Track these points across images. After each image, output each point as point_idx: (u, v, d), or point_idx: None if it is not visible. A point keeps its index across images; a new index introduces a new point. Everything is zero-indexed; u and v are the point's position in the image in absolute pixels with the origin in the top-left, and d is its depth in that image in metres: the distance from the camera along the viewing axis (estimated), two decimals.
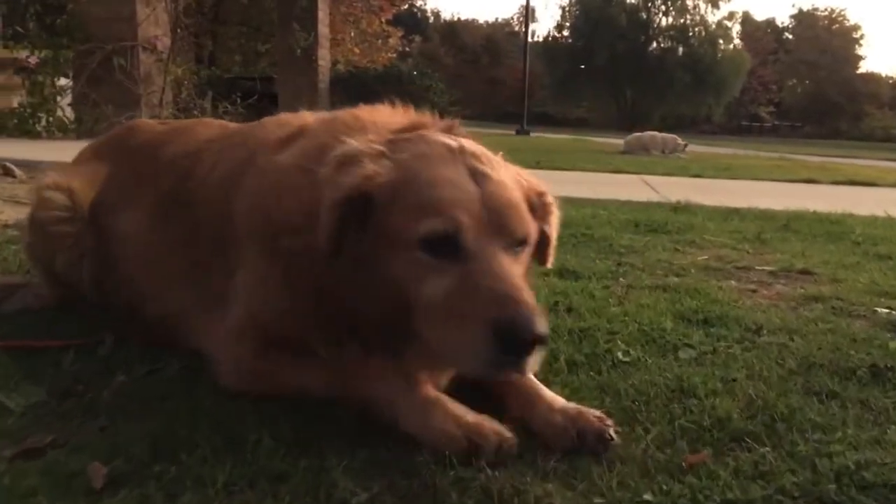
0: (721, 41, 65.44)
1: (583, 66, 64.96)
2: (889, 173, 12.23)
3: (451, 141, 1.65)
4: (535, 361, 1.47)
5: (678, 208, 5.92)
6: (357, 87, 18.97)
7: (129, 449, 1.50)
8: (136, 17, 11.66)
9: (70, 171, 2.40)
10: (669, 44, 67.52)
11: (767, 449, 1.63)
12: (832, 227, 5.24)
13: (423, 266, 1.51)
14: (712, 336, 2.49)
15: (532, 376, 1.73)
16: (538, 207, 1.73)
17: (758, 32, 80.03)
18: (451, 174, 1.56)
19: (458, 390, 1.70)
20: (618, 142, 23.79)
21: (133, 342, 2.12)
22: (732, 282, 3.48)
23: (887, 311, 2.96)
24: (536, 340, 1.41)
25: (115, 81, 11.40)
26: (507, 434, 1.55)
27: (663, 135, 18.23)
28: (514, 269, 1.54)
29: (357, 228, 1.55)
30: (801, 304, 3.04)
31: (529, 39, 38.34)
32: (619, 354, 2.24)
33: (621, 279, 3.36)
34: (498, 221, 1.54)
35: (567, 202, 6.25)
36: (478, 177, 1.57)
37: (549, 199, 1.78)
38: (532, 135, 31.32)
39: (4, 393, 1.76)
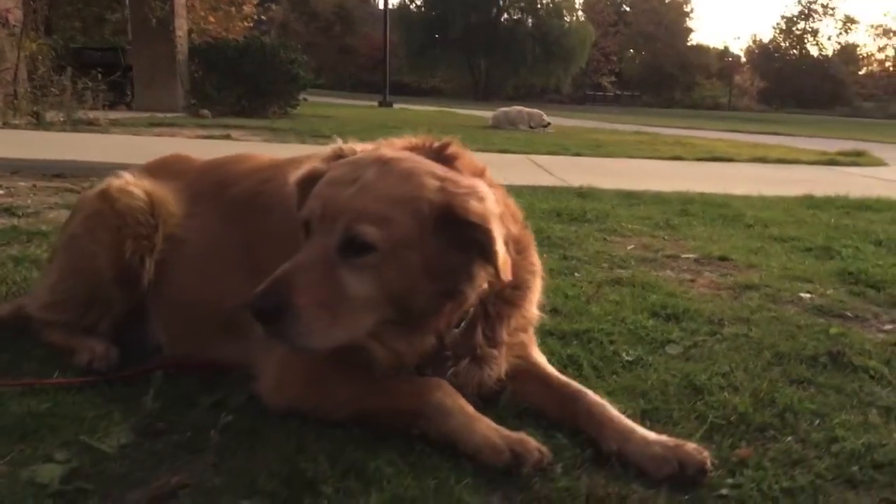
0: (566, 13, 67.80)
1: (437, 36, 65.46)
2: (741, 148, 13.43)
3: (385, 154, 1.81)
4: (283, 333, 1.62)
5: (583, 194, 6.32)
6: (218, 59, 18.21)
7: (264, 486, 1.59)
8: None
9: (139, 177, 2.40)
10: (519, 15, 69.26)
11: (789, 439, 1.95)
12: (723, 210, 5.81)
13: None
14: (686, 331, 2.83)
15: (611, 411, 1.91)
16: (433, 221, 1.68)
17: (599, 4, 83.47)
18: (339, 176, 1.76)
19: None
20: (481, 114, 24.39)
21: (176, 370, 2.17)
22: (669, 272, 3.86)
23: (809, 295, 3.43)
24: (255, 315, 1.61)
25: None
26: (546, 451, 1.75)
27: (529, 110, 18.86)
28: (321, 267, 1.65)
29: None
30: (739, 294, 3.45)
31: (381, 7, 38.09)
32: (624, 355, 2.52)
33: (576, 274, 3.65)
34: (331, 219, 1.68)
35: None
36: (354, 183, 1.70)
37: (458, 212, 1.68)
38: (395, 106, 31.31)
39: (94, 437, 1.78)
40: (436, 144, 1.91)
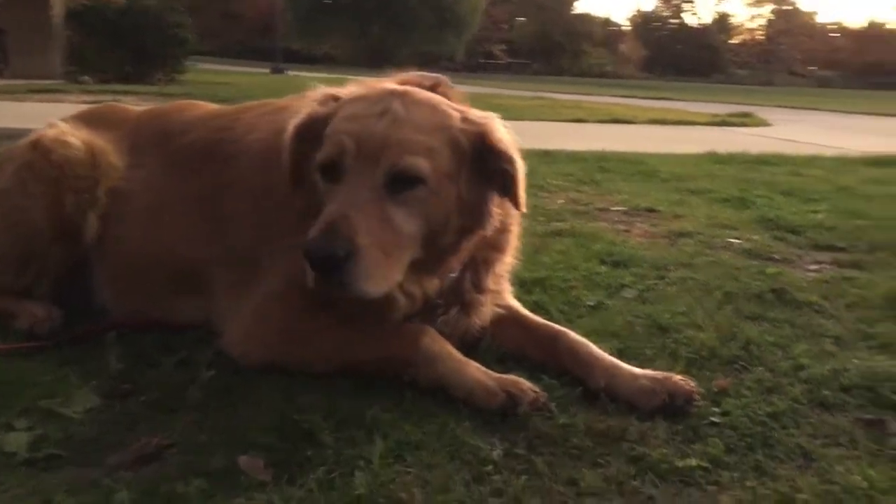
0: None
1: (326, 1, 64.00)
2: (637, 111, 13.84)
3: (397, 87, 1.74)
4: (344, 279, 1.51)
5: None
6: (97, 22, 17.09)
7: (258, 440, 1.50)
8: None
9: (75, 127, 2.21)
10: None
11: (760, 369, 2.01)
12: (638, 167, 5.96)
13: (324, 193, 1.65)
14: (637, 276, 2.88)
15: (594, 349, 1.91)
16: (469, 151, 1.68)
17: None
18: (361, 111, 1.65)
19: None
20: None
21: (128, 330, 2.03)
22: (603, 223, 3.93)
23: (738, 241, 3.57)
24: (317, 263, 1.51)
25: None
26: (540, 390, 1.74)
27: (430, 75, 18.73)
28: (372, 205, 1.55)
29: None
30: (674, 241, 3.55)
31: None
32: (585, 300, 2.53)
33: None
34: (372, 154, 1.59)
35: None
36: (384, 116, 1.62)
37: (491, 141, 1.70)
38: (289, 73, 30.44)
39: (55, 402, 1.63)
40: (427, 82, 1.84)
